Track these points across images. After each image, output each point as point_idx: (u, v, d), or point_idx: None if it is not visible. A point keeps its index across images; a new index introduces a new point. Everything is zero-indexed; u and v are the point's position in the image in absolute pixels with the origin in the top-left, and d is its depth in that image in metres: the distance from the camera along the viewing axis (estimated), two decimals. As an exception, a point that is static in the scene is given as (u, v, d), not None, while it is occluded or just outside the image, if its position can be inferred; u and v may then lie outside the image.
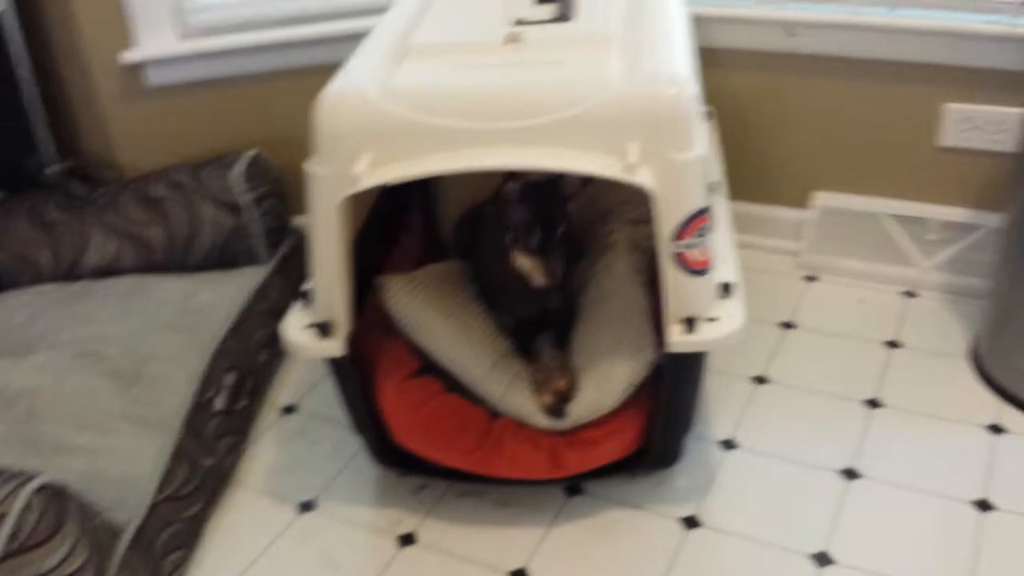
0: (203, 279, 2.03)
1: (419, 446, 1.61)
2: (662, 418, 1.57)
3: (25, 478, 1.30)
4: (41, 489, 1.31)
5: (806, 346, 2.05)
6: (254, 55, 2.28)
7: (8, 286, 2.03)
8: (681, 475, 1.73)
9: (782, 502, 1.66)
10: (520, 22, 1.60)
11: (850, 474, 1.70)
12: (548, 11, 1.65)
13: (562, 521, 1.65)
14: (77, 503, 1.38)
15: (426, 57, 1.52)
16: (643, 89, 1.36)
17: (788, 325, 2.12)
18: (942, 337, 2.04)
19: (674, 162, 1.35)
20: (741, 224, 2.24)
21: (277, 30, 2.27)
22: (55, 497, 1.33)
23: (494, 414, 1.62)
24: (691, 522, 1.63)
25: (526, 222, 1.53)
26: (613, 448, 1.58)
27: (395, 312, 1.65)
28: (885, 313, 2.14)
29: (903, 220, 2.20)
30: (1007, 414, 1.82)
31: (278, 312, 1.62)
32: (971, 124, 2.06)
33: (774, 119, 2.25)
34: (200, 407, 1.73)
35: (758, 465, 1.74)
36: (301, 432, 1.91)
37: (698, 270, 1.42)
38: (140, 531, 1.49)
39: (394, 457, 1.67)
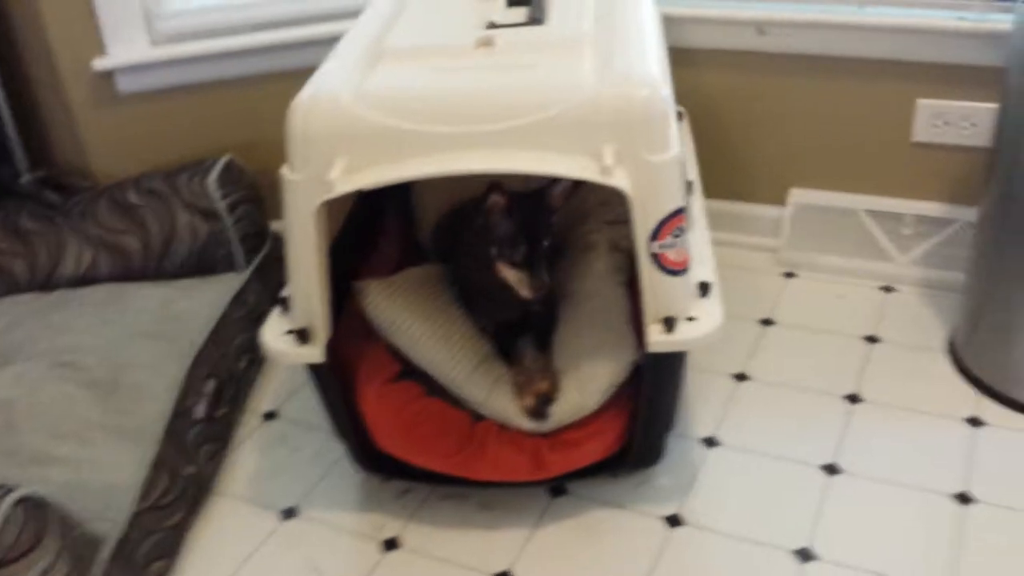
0: (180, 286, 2.02)
1: (401, 450, 1.60)
2: (643, 418, 1.58)
3: (4, 491, 1.29)
4: (20, 501, 1.30)
5: (786, 342, 2.06)
6: (226, 60, 2.27)
7: (-17, 297, 2.02)
8: (663, 474, 1.73)
9: (764, 499, 1.67)
10: (492, 25, 1.60)
11: (831, 469, 1.71)
12: (520, 14, 1.65)
13: (546, 522, 1.65)
14: (57, 515, 1.37)
15: (399, 61, 1.52)
16: (616, 91, 1.36)
17: (767, 322, 2.13)
18: (920, 331, 2.06)
19: (649, 163, 1.35)
20: (719, 222, 2.25)
21: (249, 35, 2.26)
22: (35, 509, 1.32)
23: (476, 417, 1.62)
24: (674, 520, 1.63)
25: (511, 235, 1.53)
26: (595, 449, 1.58)
27: (374, 317, 1.65)
28: (863, 308, 2.15)
29: (879, 216, 2.21)
30: (985, 407, 1.83)
31: (257, 318, 1.62)
32: (943, 120, 2.07)
33: (748, 117, 2.26)
34: (180, 415, 1.72)
35: (740, 462, 1.75)
36: (282, 438, 1.90)
37: (676, 270, 1.43)
38: (121, 542, 1.47)
39: (376, 462, 1.66)
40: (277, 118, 1.44)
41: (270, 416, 1.96)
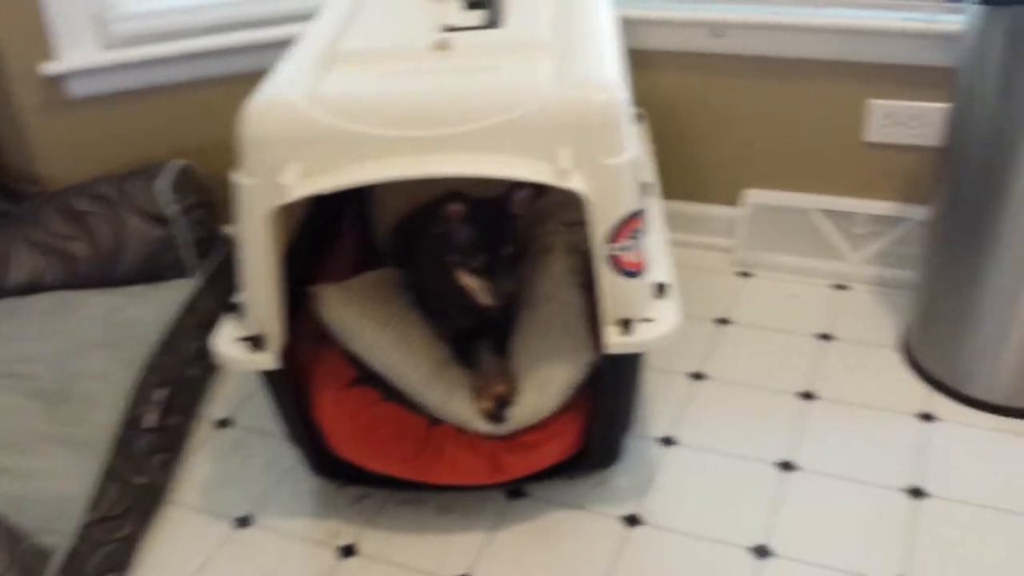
0: (131, 293, 1.99)
1: (357, 456, 1.59)
2: (601, 419, 1.58)
3: (-52, 505, 1.27)
4: (-35, 516, 1.27)
5: (741, 341, 2.08)
6: (178, 64, 2.24)
7: (-73, 306, 1.97)
8: (621, 474, 1.73)
9: (721, 497, 1.67)
10: (449, 28, 1.59)
11: (787, 466, 1.73)
12: (476, 17, 1.64)
13: (504, 525, 1.65)
14: (4, 527, 1.34)
15: (355, 64, 1.50)
16: (573, 94, 1.36)
17: (724, 321, 2.14)
18: (873, 329, 2.08)
19: (606, 166, 1.35)
20: (675, 223, 2.26)
21: (202, 38, 2.23)
22: (-20, 523, 1.29)
23: (433, 421, 1.61)
24: (632, 520, 1.64)
25: (471, 242, 1.52)
26: (553, 451, 1.58)
27: (330, 322, 1.63)
28: (817, 307, 2.17)
29: (832, 215, 2.24)
30: (937, 402, 1.86)
31: (209, 324, 1.59)
32: (894, 120, 2.10)
33: (704, 119, 2.27)
34: (130, 424, 1.70)
35: (697, 461, 1.76)
36: (236, 446, 1.87)
37: (633, 272, 1.43)
38: (71, 555, 1.45)
39: (332, 468, 1.65)
40: (230, 122, 1.42)
41: (223, 423, 1.94)
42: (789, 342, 2.06)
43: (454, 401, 1.59)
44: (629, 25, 2.12)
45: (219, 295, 2.07)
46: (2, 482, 1.48)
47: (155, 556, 1.62)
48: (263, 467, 1.81)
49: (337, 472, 1.66)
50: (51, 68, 2.16)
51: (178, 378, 1.88)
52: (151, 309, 1.93)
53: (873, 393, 1.89)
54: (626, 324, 1.44)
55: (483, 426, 1.56)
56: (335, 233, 1.94)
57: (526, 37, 1.56)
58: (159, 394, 1.80)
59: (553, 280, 1.72)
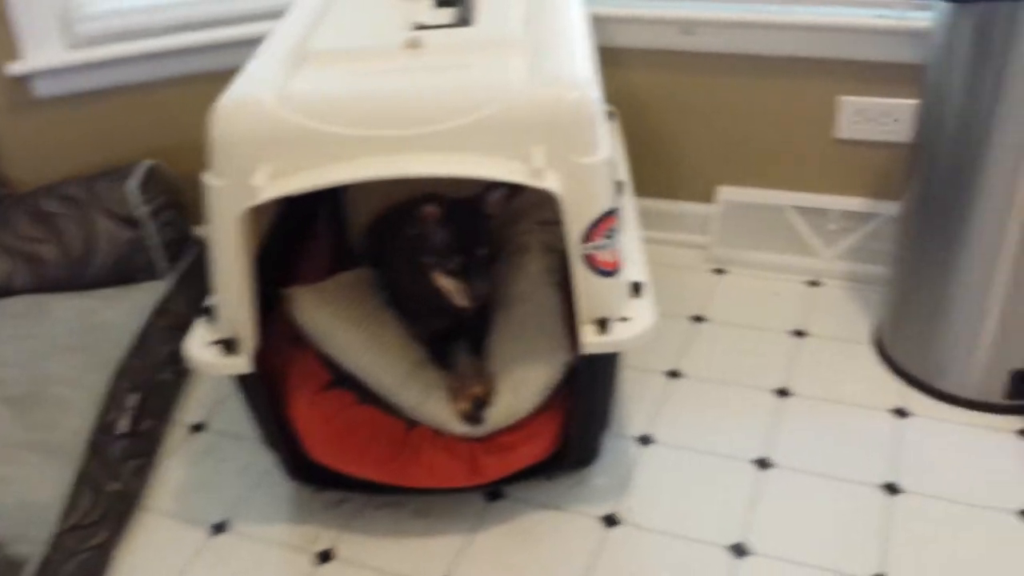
0: (101, 296, 1.96)
1: (334, 459, 1.58)
2: (579, 419, 1.58)
3: (-85, 516, 1.24)
4: (-67, 527, 1.25)
5: (717, 339, 2.08)
6: (147, 63, 2.21)
7: None
8: (599, 474, 1.73)
9: (698, 495, 1.68)
10: (420, 27, 1.58)
11: (763, 464, 1.73)
12: (447, 15, 1.63)
13: (483, 527, 1.64)
14: (-27, 539, 1.32)
15: (325, 63, 1.49)
16: (545, 92, 1.35)
17: (699, 319, 2.15)
18: (846, 325, 2.09)
19: (579, 165, 1.34)
20: (649, 220, 2.26)
21: (170, 37, 2.21)
22: (-52, 535, 1.27)
23: (410, 424, 1.60)
24: (610, 520, 1.64)
25: (447, 243, 1.51)
26: (531, 451, 1.58)
27: (304, 324, 1.62)
28: (791, 303, 2.18)
29: (805, 211, 2.25)
30: (910, 397, 1.87)
31: (181, 327, 1.57)
32: (865, 116, 2.11)
33: (676, 116, 2.27)
34: (103, 430, 1.67)
35: (674, 459, 1.76)
36: (210, 451, 1.85)
37: (608, 271, 1.43)
38: (44, 564, 1.43)
39: (308, 472, 1.63)
40: (200, 122, 1.40)
41: (197, 428, 1.92)
42: (763, 339, 2.07)
43: (430, 402, 1.58)
44: (600, 22, 2.12)
45: (191, 297, 2.05)
46: (-29, 491, 1.46)
47: (130, 564, 1.60)
48: (238, 472, 1.79)
49: (313, 476, 1.64)
50: (16, 68, 2.13)
51: (150, 382, 1.86)
52: (122, 312, 1.91)
53: (847, 389, 1.90)
54: (602, 323, 1.44)
55: (460, 427, 1.55)
56: (309, 234, 1.93)
57: (497, 35, 1.55)
58: (132, 399, 1.78)
59: (529, 280, 1.72)
